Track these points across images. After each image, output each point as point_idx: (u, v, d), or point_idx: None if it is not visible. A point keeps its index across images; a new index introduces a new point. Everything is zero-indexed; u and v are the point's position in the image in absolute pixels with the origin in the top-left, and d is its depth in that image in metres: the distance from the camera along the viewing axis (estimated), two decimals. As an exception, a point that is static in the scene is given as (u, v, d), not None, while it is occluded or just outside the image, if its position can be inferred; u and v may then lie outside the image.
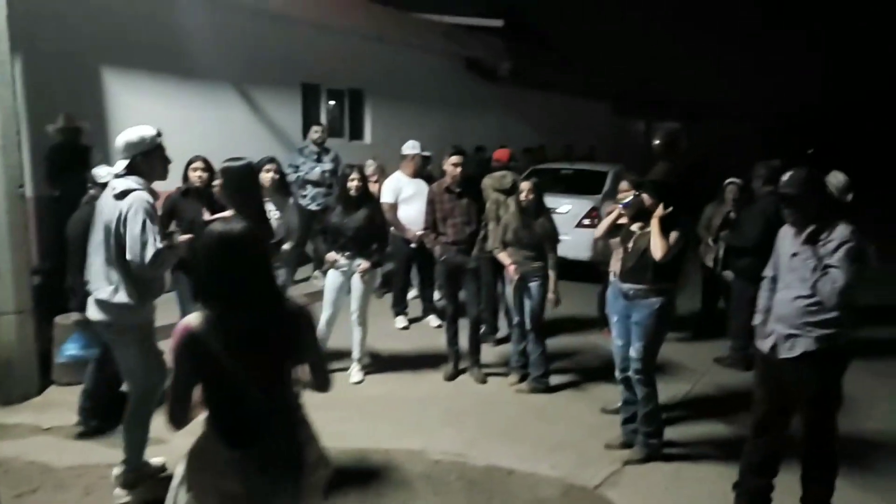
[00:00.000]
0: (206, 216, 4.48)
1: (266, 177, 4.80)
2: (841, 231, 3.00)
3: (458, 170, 4.97)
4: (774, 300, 3.26)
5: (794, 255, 3.12)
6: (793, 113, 24.58)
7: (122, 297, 3.21)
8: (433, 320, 6.54)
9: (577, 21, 17.75)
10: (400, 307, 6.57)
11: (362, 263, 4.90)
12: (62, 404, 4.36)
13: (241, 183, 3.84)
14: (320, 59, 8.98)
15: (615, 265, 4.20)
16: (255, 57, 8.10)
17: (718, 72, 21.46)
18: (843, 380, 3.15)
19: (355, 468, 3.76)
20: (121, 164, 3.23)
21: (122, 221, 3.13)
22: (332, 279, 5.02)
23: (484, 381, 5.10)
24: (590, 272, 4.70)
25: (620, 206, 3.98)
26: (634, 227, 3.92)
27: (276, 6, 7.94)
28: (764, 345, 3.28)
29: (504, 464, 3.85)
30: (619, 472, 3.82)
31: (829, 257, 2.99)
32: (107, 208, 3.20)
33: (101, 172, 4.09)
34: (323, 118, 9.14)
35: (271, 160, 4.92)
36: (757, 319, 3.41)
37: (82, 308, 3.51)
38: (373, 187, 7.00)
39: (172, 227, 4.46)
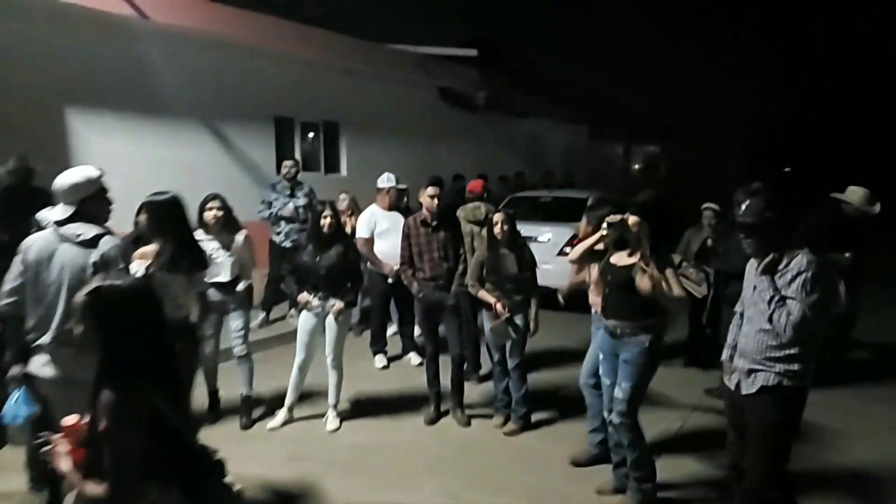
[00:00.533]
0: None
1: (209, 215, 4.62)
2: (799, 261, 2.87)
3: (435, 202, 4.80)
4: (740, 335, 3.13)
5: (755, 288, 3.00)
6: (771, 131, 24.89)
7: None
8: (414, 358, 6.31)
9: (552, 46, 17.87)
10: (378, 345, 6.34)
11: (336, 304, 4.69)
12: (15, 467, 4.05)
13: (166, 217, 3.61)
14: (293, 92, 8.84)
15: (595, 299, 4.05)
16: (225, 92, 7.93)
17: (695, 92, 21.71)
18: (800, 418, 3.02)
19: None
20: (64, 209, 3.02)
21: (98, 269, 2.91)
22: (305, 321, 4.79)
23: (467, 424, 4.88)
24: (572, 301, 4.52)
25: (604, 225, 3.76)
26: (615, 258, 3.75)
27: (244, 40, 7.79)
28: (730, 382, 3.14)
29: (489, 517, 3.61)
30: (611, 521, 3.60)
31: (785, 288, 2.87)
32: (66, 256, 2.97)
33: (49, 216, 3.85)
34: (297, 152, 8.97)
35: (214, 197, 4.70)
36: (724, 355, 3.27)
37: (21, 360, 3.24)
38: (347, 222, 6.86)
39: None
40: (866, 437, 4.69)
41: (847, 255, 5.32)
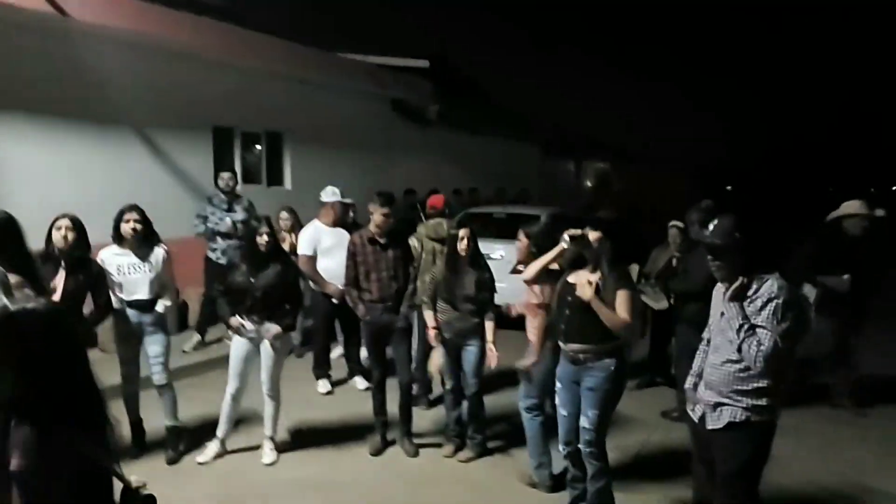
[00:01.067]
0: (59, 281, 3.82)
1: (126, 227, 4.19)
2: (769, 286, 2.67)
3: (387, 220, 4.48)
4: (706, 364, 2.92)
5: (722, 314, 2.79)
6: (713, 156, 25.63)
7: None
8: (360, 382, 5.93)
9: (505, 63, 17.86)
10: (322, 369, 5.93)
11: (272, 328, 4.29)
12: None
13: None
14: (233, 100, 8.39)
15: (532, 326, 3.85)
16: (159, 98, 7.43)
17: (644, 116, 22.11)
18: (769, 452, 2.82)
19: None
20: None
21: None
22: (238, 347, 4.37)
23: (416, 454, 4.53)
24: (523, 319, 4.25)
25: (564, 239, 3.52)
26: (572, 277, 3.48)
27: (180, 44, 7.33)
28: (694, 413, 2.93)
29: (440, 563, 3.27)
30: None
31: (755, 316, 2.66)
32: None
33: None
34: (237, 164, 8.52)
35: (132, 208, 4.26)
36: (688, 383, 3.05)
37: None
38: (287, 239, 6.46)
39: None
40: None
41: (846, 276, 5.13)
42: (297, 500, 3.90)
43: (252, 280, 4.26)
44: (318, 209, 5.92)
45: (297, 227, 6.48)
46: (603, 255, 3.36)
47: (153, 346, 4.29)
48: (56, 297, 3.77)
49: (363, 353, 6.10)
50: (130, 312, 4.24)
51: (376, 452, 4.52)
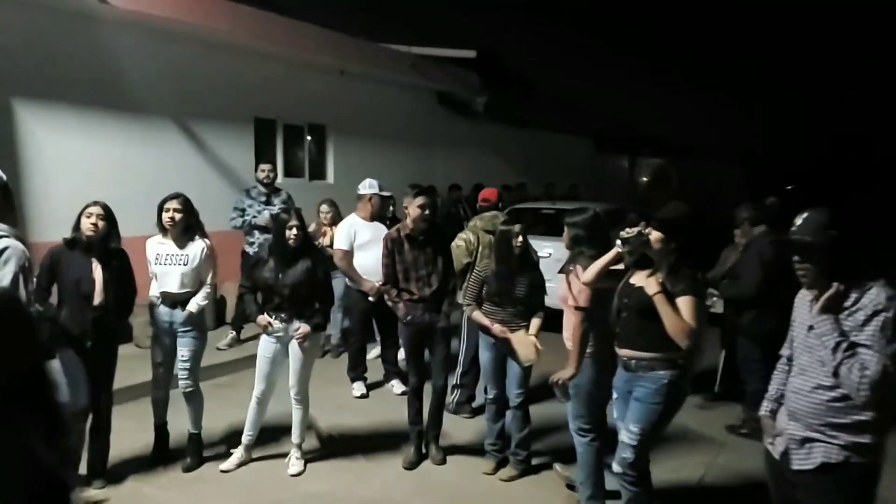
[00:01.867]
0: (97, 273, 3.61)
1: (165, 217, 3.97)
2: (875, 296, 2.18)
3: (424, 213, 4.12)
4: (788, 388, 2.44)
5: (811, 328, 2.31)
6: (771, 153, 24.37)
7: None
8: (397, 386, 5.60)
9: (555, 55, 17.31)
10: (357, 371, 5.62)
11: (301, 327, 3.99)
12: None
13: None
14: (276, 91, 8.19)
15: (568, 332, 3.46)
16: (200, 89, 7.29)
17: (698, 111, 21.16)
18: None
19: None
20: None
21: None
22: (265, 348, 4.09)
23: (443, 462, 4.22)
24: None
25: (618, 242, 3.12)
26: (635, 278, 3.07)
27: (222, 35, 7.15)
28: (774, 448, 2.45)
29: None
30: None
31: (856, 333, 2.17)
32: None
33: None
34: (278, 156, 8.32)
35: (174, 196, 4.00)
36: (764, 409, 2.59)
37: None
38: (328, 234, 6.21)
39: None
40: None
41: None
42: (323, 517, 3.60)
43: (280, 276, 3.97)
44: (356, 203, 5.62)
45: (337, 220, 6.22)
46: (666, 257, 2.94)
47: (182, 348, 4.01)
48: (97, 288, 3.58)
49: (401, 354, 5.80)
50: (163, 309, 4.00)
51: (411, 466, 4.17)
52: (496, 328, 3.93)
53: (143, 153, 6.73)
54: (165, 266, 3.98)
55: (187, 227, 4.02)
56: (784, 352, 2.61)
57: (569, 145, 16.85)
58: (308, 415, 4.20)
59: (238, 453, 4.16)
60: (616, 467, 2.98)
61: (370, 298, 5.36)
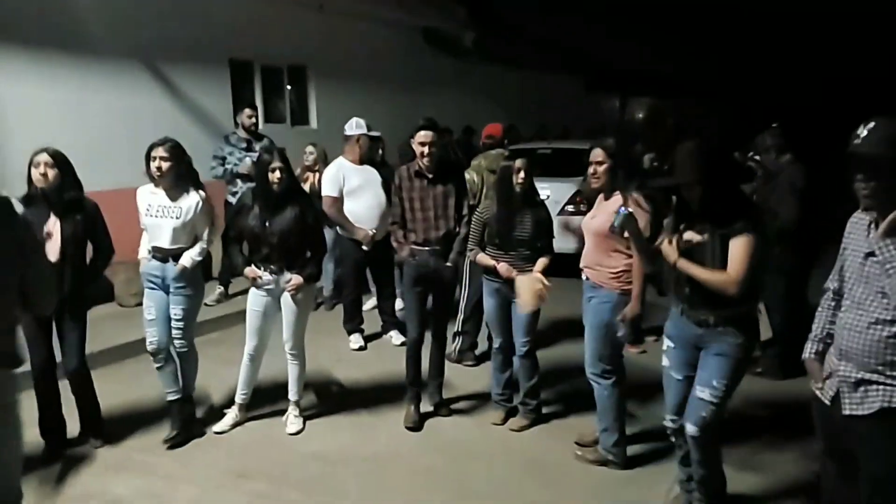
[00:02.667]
0: (53, 226, 3.29)
1: (151, 165, 3.57)
2: None
3: (428, 150, 3.77)
4: (838, 325, 2.19)
5: (870, 255, 2.05)
6: (766, 92, 23.83)
7: None
8: (396, 337, 5.36)
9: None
10: (353, 323, 5.37)
11: (292, 279, 3.70)
12: None
13: None
14: (251, 30, 7.65)
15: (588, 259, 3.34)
16: (171, 29, 6.75)
17: (694, 45, 20.48)
18: None
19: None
20: None
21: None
22: (254, 301, 3.80)
23: (448, 414, 4.02)
24: (576, 267, 3.59)
25: (613, 222, 2.87)
26: (688, 234, 2.67)
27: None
28: (824, 392, 2.22)
29: (493, 559, 2.71)
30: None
31: None
32: None
33: None
34: (258, 101, 7.84)
35: (160, 143, 3.61)
36: (808, 350, 2.34)
37: None
38: (311, 179, 5.87)
39: None
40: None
41: None
42: (324, 477, 3.38)
43: (266, 224, 3.65)
44: (342, 146, 5.26)
45: (323, 164, 5.88)
46: (708, 207, 2.59)
47: (175, 307, 3.67)
48: (54, 245, 3.26)
49: (398, 304, 5.55)
50: (154, 264, 3.66)
51: (413, 426, 3.90)
52: (502, 267, 3.67)
53: (108, 100, 6.25)
54: (157, 218, 3.62)
55: (178, 175, 3.62)
56: (830, 284, 2.35)
57: (559, 86, 16.34)
58: (304, 370, 3.94)
59: (232, 413, 3.92)
60: (691, 428, 2.69)
61: (364, 247, 5.06)
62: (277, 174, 3.59)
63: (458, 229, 3.92)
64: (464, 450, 3.65)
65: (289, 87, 8.53)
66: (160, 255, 3.66)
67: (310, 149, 6.00)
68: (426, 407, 4.05)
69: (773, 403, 4.22)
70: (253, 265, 3.74)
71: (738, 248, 2.49)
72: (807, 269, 4.42)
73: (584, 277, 3.44)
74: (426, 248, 3.86)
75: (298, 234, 3.67)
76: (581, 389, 4.36)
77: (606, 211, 3.25)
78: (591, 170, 3.33)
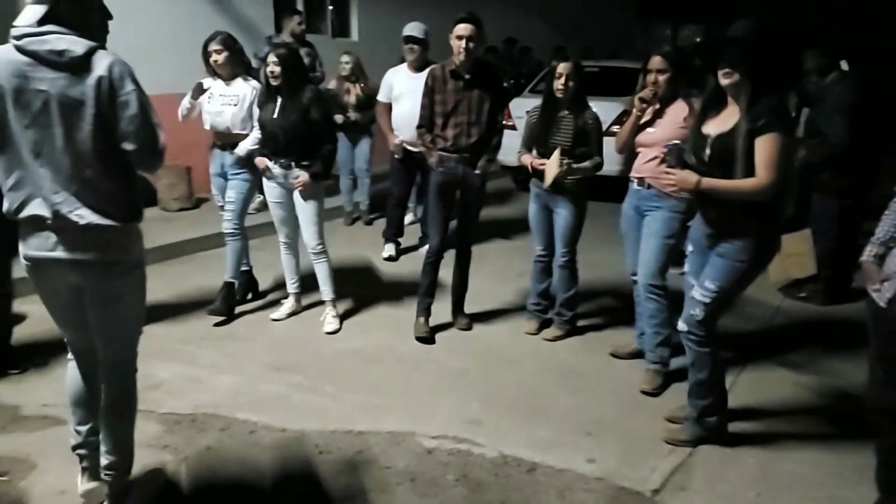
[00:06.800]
0: None
1: (211, 60, 3.85)
2: None
3: (467, 45, 3.54)
4: None
5: None
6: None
7: (119, 215, 2.04)
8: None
9: None
10: (389, 231, 5.37)
11: (300, 176, 3.71)
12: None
13: None
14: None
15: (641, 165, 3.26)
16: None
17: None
18: None
19: (314, 463, 2.68)
20: (34, 11, 1.92)
21: (102, 97, 1.93)
22: (271, 193, 3.93)
23: (468, 328, 4.00)
24: (620, 190, 3.48)
25: (666, 150, 2.81)
26: (711, 125, 2.58)
27: None
28: (880, 295, 2.14)
29: (522, 454, 2.75)
30: (686, 466, 2.71)
31: None
32: (44, 83, 1.91)
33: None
34: (300, 9, 7.66)
35: (214, 37, 3.88)
36: (867, 253, 2.23)
37: None
38: (351, 90, 5.81)
39: None
40: None
41: None
42: (358, 373, 3.46)
43: (274, 117, 3.67)
44: (386, 65, 5.23)
45: (359, 75, 5.78)
46: (743, 92, 2.44)
47: (230, 190, 3.98)
48: None
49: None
50: (216, 152, 4.00)
51: (426, 336, 3.83)
52: (525, 158, 3.61)
53: (153, 6, 6.17)
54: (217, 105, 3.89)
55: (234, 65, 3.90)
56: None
57: (608, 9, 15.60)
58: (331, 268, 3.98)
59: (288, 303, 4.14)
60: (682, 325, 2.69)
61: (395, 156, 5.03)
62: (271, 68, 3.60)
63: (492, 136, 3.70)
64: (495, 356, 3.68)
65: (331, -3, 8.32)
66: (220, 142, 3.96)
67: (345, 58, 5.84)
68: (443, 319, 4.01)
69: (815, 327, 4.13)
70: (263, 156, 3.81)
71: (766, 147, 2.37)
72: (860, 192, 4.22)
73: (636, 188, 3.31)
74: (455, 156, 3.70)
75: (305, 131, 3.66)
76: (616, 303, 4.36)
77: (668, 122, 3.14)
78: (650, 78, 3.17)
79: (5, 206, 2.01)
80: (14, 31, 1.92)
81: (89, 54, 1.92)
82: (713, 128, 2.55)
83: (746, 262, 2.54)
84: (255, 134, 3.83)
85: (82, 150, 1.95)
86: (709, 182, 2.47)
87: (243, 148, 3.85)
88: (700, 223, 2.68)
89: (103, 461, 2.24)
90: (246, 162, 3.90)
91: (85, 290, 2.10)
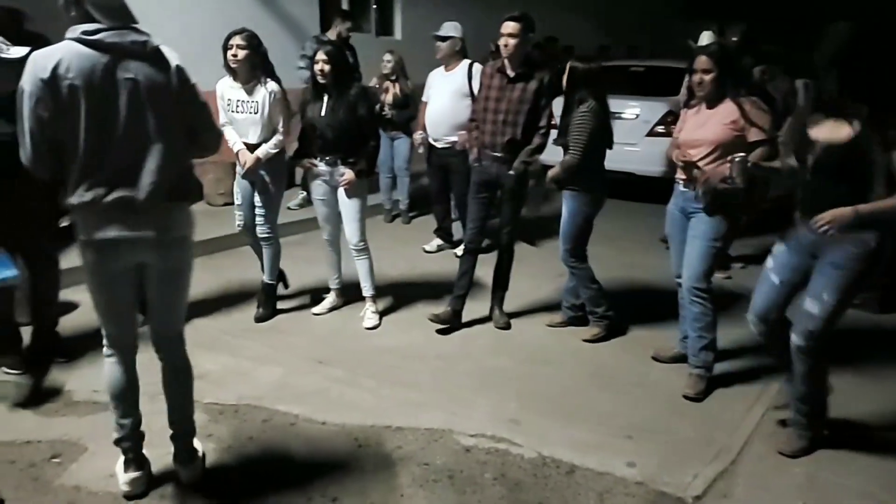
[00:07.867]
0: None
1: (228, 55, 3.63)
2: None
3: (511, 41, 3.54)
4: None
5: None
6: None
7: (190, 195, 2.30)
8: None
9: None
10: (439, 226, 5.49)
11: (346, 174, 3.74)
12: None
13: None
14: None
15: (679, 156, 3.14)
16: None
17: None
18: None
19: (352, 456, 2.70)
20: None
21: (181, 84, 2.16)
22: (316, 190, 3.97)
23: (507, 326, 3.99)
24: (663, 191, 3.42)
25: (731, 173, 2.79)
26: (822, 130, 2.44)
27: None
28: None
29: (561, 455, 2.73)
30: (730, 473, 2.66)
31: None
32: (130, 72, 2.04)
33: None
34: (345, 8, 7.76)
35: (238, 31, 3.65)
36: None
37: None
38: (391, 88, 5.85)
39: None
40: None
41: None
42: (397, 369, 3.48)
43: (322, 115, 3.71)
44: (429, 66, 5.24)
45: (399, 73, 5.82)
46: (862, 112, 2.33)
47: (257, 195, 3.89)
48: None
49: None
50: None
51: (441, 320, 3.86)
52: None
53: (205, 3, 6.33)
54: (239, 114, 3.77)
55: (253, 65, 3.67)
56: None
57: (652, 7, 15.36)
58: (372, 265, 4.01)
59: (330, 298, 4.19)
60: (796, 339, 2.59)
61: (418, 150, 5.20)
62: (320, 66, 3.62)
63: (532, 138, 3.63)
64: (534, 355, 3.66)
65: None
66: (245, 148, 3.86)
67: (387, 57, 5.88)
68: (476, 313, 4.03)
69: (868, 335, 4.00)
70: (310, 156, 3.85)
71: None
72: None
73: (681, 189, 3.24)
74: (491, 154, 3.70)
75: (352, 128, 3.69)
76: (659, 305, 4.28)
77: (714, 121, 3.06)
78: (696, 78, 3.09)
79: (89, 196, 2.06)
80: (85, 28, 2.00)
81: (159, 46, 2.11)
82: (822, 133, 2.44)
83: (864, 269, 2.45)
84: (278, 137, 3.78)
85: (165, 133, 2.12)
86: (866, 208, 2.35)
87: (264, 151, 3.76)
88: (804, 229, 2.56)
89: (171, 431, 2.45)
90: (267, 166, 3.78)
91: (151, 267, 2.23)
